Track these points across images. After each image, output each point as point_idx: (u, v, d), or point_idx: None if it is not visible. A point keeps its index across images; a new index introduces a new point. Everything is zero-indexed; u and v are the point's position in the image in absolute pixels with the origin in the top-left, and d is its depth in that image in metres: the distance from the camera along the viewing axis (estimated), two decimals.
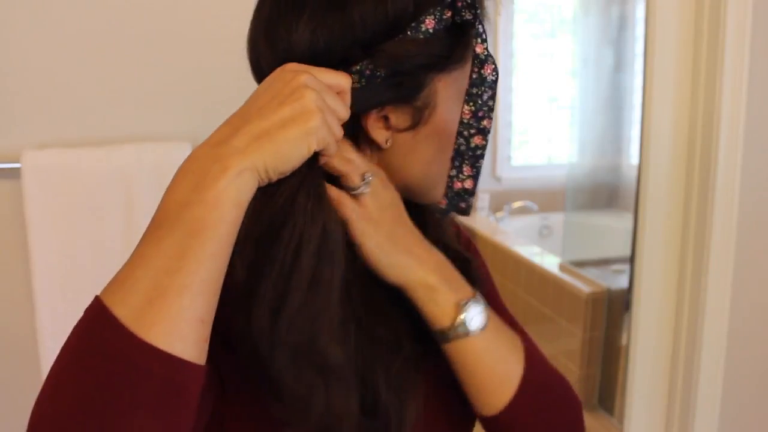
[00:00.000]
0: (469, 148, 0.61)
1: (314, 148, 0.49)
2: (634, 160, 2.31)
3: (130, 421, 0.41)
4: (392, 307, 0.59)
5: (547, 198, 3.57)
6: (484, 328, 0.59)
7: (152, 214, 0.47)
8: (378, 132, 0.58)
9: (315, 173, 0.52)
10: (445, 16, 0.56)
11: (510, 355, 0.61)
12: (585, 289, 2.46)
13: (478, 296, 0.60)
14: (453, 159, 0.61)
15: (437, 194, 0.64)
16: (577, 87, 2.93)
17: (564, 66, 3.62)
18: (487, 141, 0.61)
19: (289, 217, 0.50)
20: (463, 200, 0.62)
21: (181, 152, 1.28)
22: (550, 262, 2.80)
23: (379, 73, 0.55)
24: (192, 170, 0.46)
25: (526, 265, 2.84)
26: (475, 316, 0.58)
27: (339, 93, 0.53)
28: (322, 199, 0.52)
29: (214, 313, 0.46)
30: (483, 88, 0.59)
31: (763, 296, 1.59)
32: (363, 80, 0.55)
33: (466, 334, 0.58)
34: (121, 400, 0.41)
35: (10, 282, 1.30)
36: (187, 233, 0.44)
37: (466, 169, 0.61)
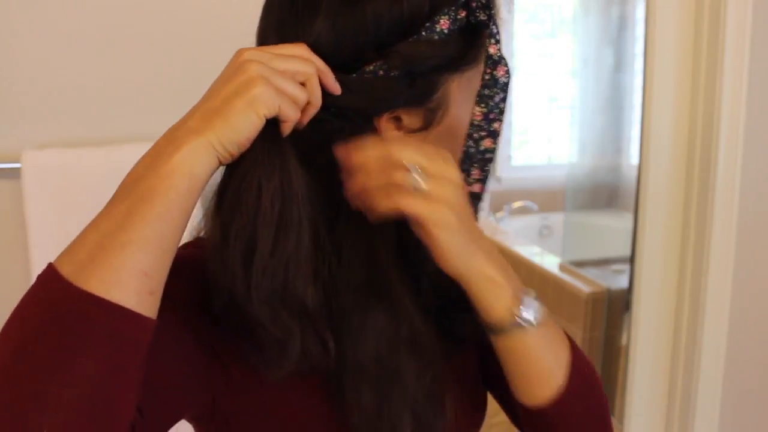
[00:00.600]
0: (479, 151, 0.59)
1: (263, 113, 0.49)
2: (634, 160, 2.31)
3: (71, 366, 0.42)
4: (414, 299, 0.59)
5: (547, 198, 3.57)
6: (541, 322, 0.58)
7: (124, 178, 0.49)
8: (389, 133, 0.57)
9: (279, 144, 0.52)
10: (459, 16, 0.55)
11: (559, 345, 0.60)
12: (585, 289, 2.46)
13: (533, 292, 0.59)
14: (462, 162, 0.59)
15: None
16: (577, 87, 2.93)
17: (564, 66, 3.62)
18: (497, 144, 0.59)
19: (250, 168, 0.51)
20: (472, 205, 0.59)
21: None
22: (550, 262, 2.80)
23: (392, 75, 0.54)
24: (149, 152, 0.49)
25: (526, 265, 2.85)
26: (533, 310, 0.57)
27: (321, 76, 0.52)
28: (282, 145, 0.52)
29: (165, 271, 0.47)
30: (495, 90, 0.58)
31: (763, 296, 1.59)
32: (375, 81, 0.54)
33: (526, 326, 0.57)
34: (61, 345, 0.42)
35: (10, 282, 1.30)
36: (137, 199, 0.46)
37: (475, 173, 0.60)
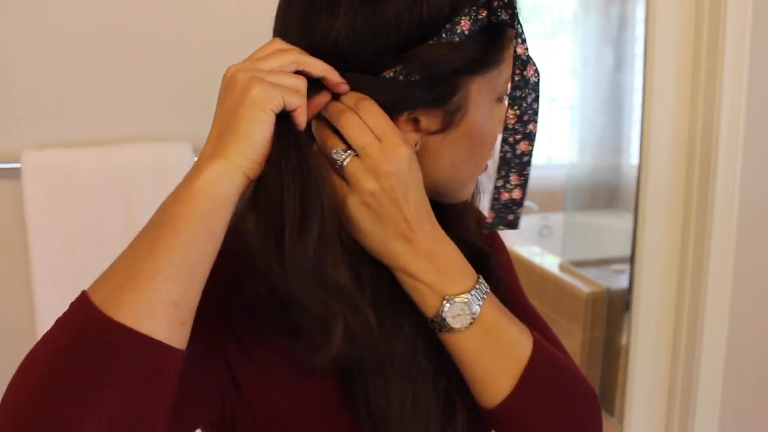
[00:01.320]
0: (516, 155, 0.57)
1: (269, 108, 0.49)
2: (634, 160, 2.31)
3: (98, 397, 0.41)
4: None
5: (547, 198, 3.56)
6: (470, 326, 0.57)
7: (152, 214, 0.49)
8: (407, 134, 0.56)
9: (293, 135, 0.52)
10: (480, 16, 0.54)
11: (509, 350, 0.59)
12: (585, 289, 2.46)
13: (477, 292, 0.58)
14: (499, 168, 0.57)
15: (465, 194, 0.63)
16: (577, 87, 2.93)
17: (564, 66, 3.62)
18: (533, 146, 0.57)
19: (275, 163, 0.51)
20: (511, 212, 0.58)
21: (181, 152, 1.27)
22: (550, 262, 2.81)
23: (412, 78, 0.53)
24: (177, 186, 0.49)
25: (526, 265, 2.85)
26: (459, 313, 0.56)
27: (325, 75, 0.53)
28: (299, 138, 0.52)
29: (196, 301, 0.47)
30: (527, 91, 0.55)
31: (763, 296, 1.59)
32: (394, 83, 0.54)
33: (448, 329, 0.57)
34: (89, 375, 0.42)
35: (10, 282, 1.30)
36: (161, 226, 0.46)
37: (514, 178, 0.57)
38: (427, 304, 0.57)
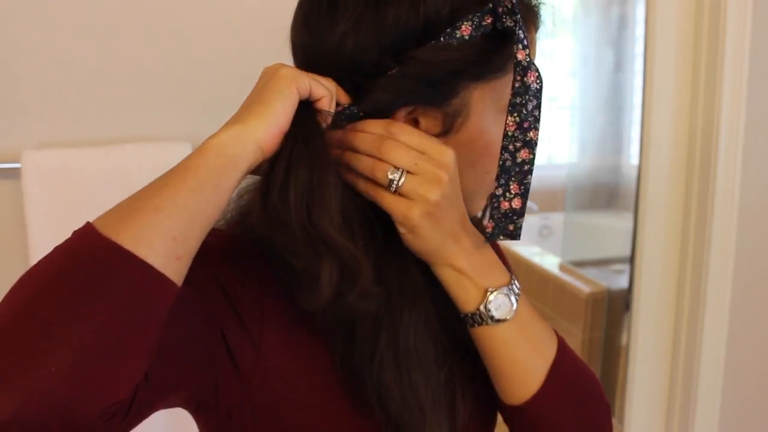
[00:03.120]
0: (516, 164, 0.56)
1: (295, 87, 0.52)
2: (634, 160, 2.31)
3: (87, 308, 0.42)
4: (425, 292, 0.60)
5: (547, 198, 3.56)
6: (510, 318, 0.58)
7: None
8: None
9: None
10: (484, 23, 0.55)
11: (539, 347, 0.61)
12: (585, 289, 2.46)
13: (513, 286, 0.59)
14: (498, 176, 0.57)
15: (473, 209, 0.63)
16: (577, 87, 2.93)
17: (564, 66, 3.62)
18: (534, 155, 0.57)
19: (287, 143, 0.53)
20: (511, 222, 0.58)
21: (181, 152, 1.27)
22: (550, 262, 2.81)
23: (409, 78, 0.55)
24: None
25: (526, 265, 2.85)
26: (501, 304, 0.58)
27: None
28: (316, 132, 0.54)
29: (195, 242, 0.48)
30: (527, 97, 0.55)
31: (763, 296, 1.59)
32: (392, 81, 0.55)
33: (490, 321, 0.58)
34: (82, 287, 0.43)
35: (10, 282, 1.29)
36: (171, 174, 0.49)
37: (514, 187, 0.57)
38: (471, 296, 0.58)
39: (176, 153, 1.27)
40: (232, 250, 0.57)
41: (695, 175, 1.52)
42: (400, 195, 0.55)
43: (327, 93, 0.54)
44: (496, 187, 0.57)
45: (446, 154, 0.55)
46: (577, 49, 2.93)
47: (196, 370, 0.55)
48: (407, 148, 0.54)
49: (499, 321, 0.58)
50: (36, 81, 1.27)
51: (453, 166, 0.55)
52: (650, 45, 1.51)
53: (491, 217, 0.58)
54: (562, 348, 0.63)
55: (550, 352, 0.61)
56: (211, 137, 0.50)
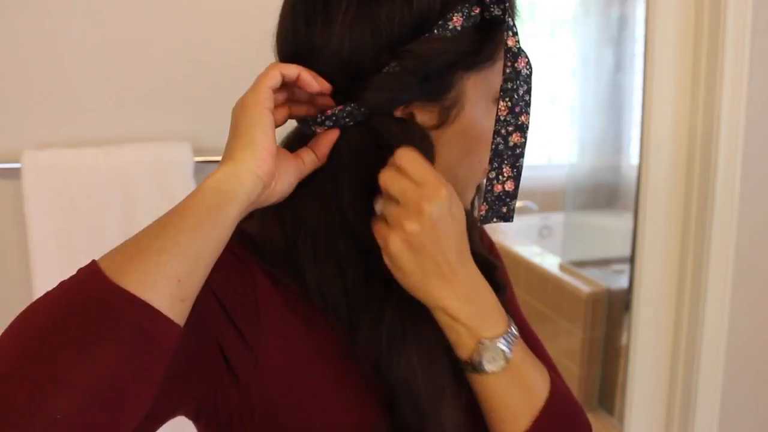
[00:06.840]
0: (508, 147, 0.57)
1: (262, 107, 0.54)
2: (634, 160, 2.31)
3: (93, 352, 0.42)
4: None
5: (547, 198, 3.56)
6: (502, 370, 0.58)
7: (152, 214, 0.51)
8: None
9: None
10: (473, 13, 0.56)
11: (531, 392, 0.60)
12: (585, 289, 2.46)
13: (509, 334, 0.58)
14: (491, 160, 0.58)
15: (465, 200, 0.63)
16: (577, 87, 2.93)
17: (564, 66, 3.62)
18: (526, 138, 0.58)
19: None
20: (504, 204, 0.59)
21: (181, 152, 1.27)
22: (550, 262, 2.80)
23: (406, 73, 0.55)
24: None
25: (526, 265, 2.84)
26: (495, 356, 0.57)
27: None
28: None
29: (198, 282, 0.49)
30: (518, 83, 0.56)
31: (763, 296, 1.59)
32: (390, 78, 0.55)
33: (482, 372, 0.58)
34: (88, 329, 0.43)
35: (10, 282, 1.30)
36: (171, 214, 0.50)
37: (506, 170, 0.58)
38: (464, 344, 0.58)
39: (176, 153, 1.27)
40: (225, 256, 0.57)
41: (695, 175, 1.52)
42: (386, 222, 0.56)
43: (296, 69, 0.55)
44: (489, 171, 0.58)
45: (439, 190, 0.54)
46: (577, 49, 2.93)
47: (194, 386, 0.55)
48: (401, 176, 0.55)
49: (490, 373, 0.58)
50: (36, 81, 1.27)
51: (442, 203, 0.54)
52: (650, 45, 1.51)
53: (485, 199, 0.58)
54: (554, 388, 0.62)
55: (541, 395, 0.61)
56: (207, 178, 0.52)
